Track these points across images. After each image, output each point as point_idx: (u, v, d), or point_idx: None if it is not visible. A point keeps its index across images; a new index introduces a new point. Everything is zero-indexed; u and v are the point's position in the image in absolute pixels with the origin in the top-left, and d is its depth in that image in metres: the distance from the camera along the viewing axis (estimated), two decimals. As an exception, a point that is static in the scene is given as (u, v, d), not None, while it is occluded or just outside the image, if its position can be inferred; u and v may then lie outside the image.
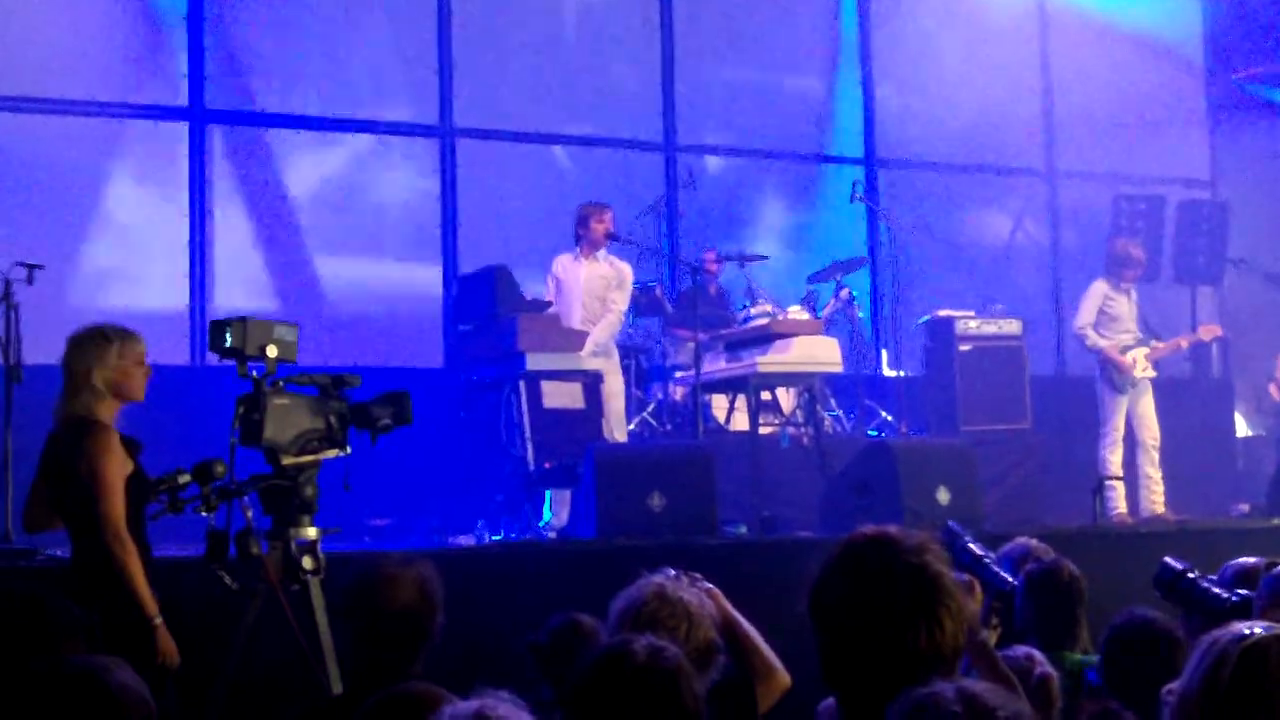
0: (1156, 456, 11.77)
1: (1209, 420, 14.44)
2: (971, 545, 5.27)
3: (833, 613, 2.74)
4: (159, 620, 5.52)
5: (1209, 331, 12.57)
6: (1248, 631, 2.97)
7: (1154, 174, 15.88)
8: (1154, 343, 11.95)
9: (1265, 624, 3.05)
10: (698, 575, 4.48)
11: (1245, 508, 12.58)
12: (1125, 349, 11.76)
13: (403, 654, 4.40)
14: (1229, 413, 15.23)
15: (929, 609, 2.69)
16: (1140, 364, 11.77)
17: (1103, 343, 11.80)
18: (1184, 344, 12.72)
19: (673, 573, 4.38)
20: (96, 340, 5.72)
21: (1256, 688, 2.89)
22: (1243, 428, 15.66)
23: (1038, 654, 4.91)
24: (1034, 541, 6.45)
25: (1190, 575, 5.38)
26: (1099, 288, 11.98)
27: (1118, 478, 11.52)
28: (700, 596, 4.26)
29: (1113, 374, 11.78)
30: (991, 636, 5.01)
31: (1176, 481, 12.06)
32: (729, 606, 4.47)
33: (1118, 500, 11.58)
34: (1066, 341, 15.10)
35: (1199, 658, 2.99)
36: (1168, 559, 5.63)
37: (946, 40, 15.39)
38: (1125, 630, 4.94)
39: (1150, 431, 11.79)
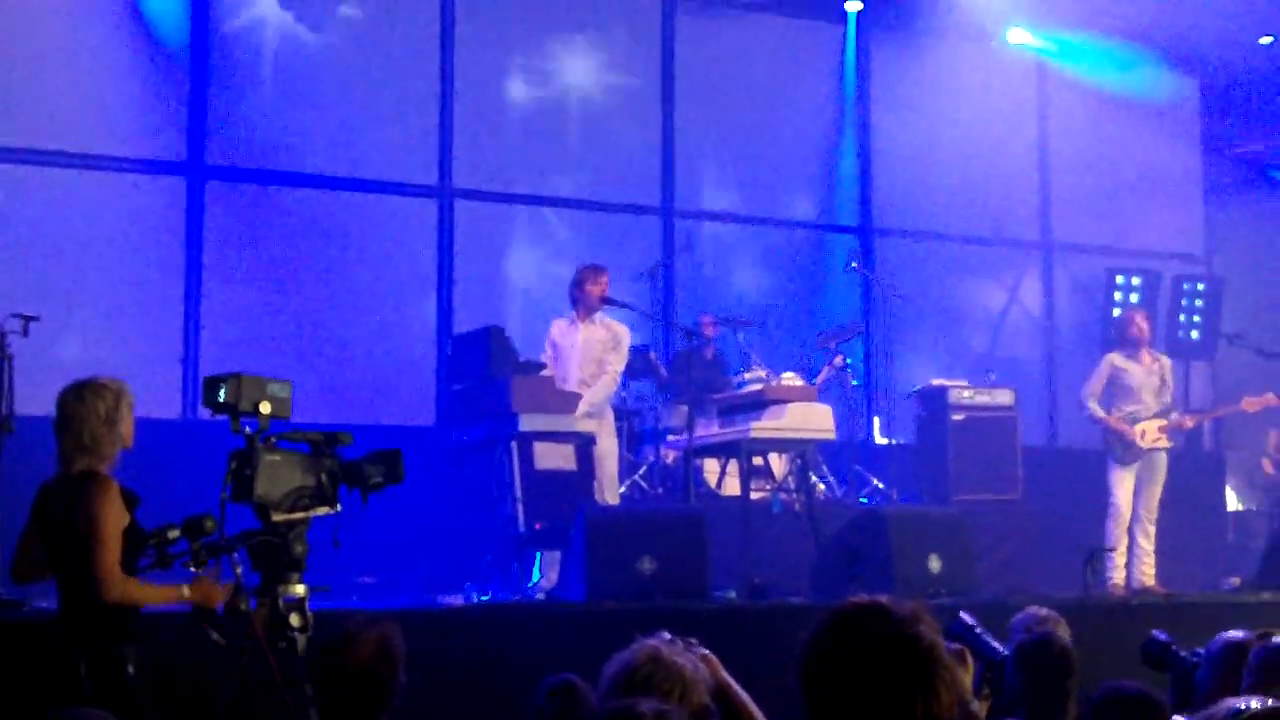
0: (1152, 530, 11.74)
1: (1200, 493, 14.44)
2: (963, 615, 5.27)
3: (824, 683, 2.70)
4: (185, 592, 5.59)
5: (1258, 403, 12.41)
6: (1242, 707, 2.96)
7: (1149, 247, 15.95)
8: (1175, 415, 11.90)
9: (1259, 698, 3.03)
10: (693, 640, 4.47)
11: (1236, 581, 12.57)
12: (1136, 420, 11.73)
13: (363, 714, 4.39)
14: (1220, 486, 15.24)
15: (925, 680, 2.66)
16: (1150, 435, 11.71)
17: (1100, 413, 11.79)
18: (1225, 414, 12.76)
19: (668, 636, 4.36)
20: (97, 392, 5.73)
21: None
22: (1234, 502, 15.66)
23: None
24: (1043, 611, 6.45)
25: (1174, 648, 5.41)
26: (1108, 361, 11.97)
27: (1113, 549, 11.49)
28: (694, 661, 4.24)
29: (1115, 445, 11.76)
30: (983, 707, 4.99)
31: (1167, 554, 12.04)
32: (724, 673, 4.44)
33: (1113, 571, 11.55)
34: (1059, 412, 15.14)
35: None
36: (1155, 632, 5.64)
37: (945, 110, 15.46)
38: (1105, 703, 4.93)
39: (1149, 504, 11.75)
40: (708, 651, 4.35)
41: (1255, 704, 2.97)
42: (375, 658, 4.46)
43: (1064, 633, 6.06)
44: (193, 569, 5.64)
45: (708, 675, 4.29)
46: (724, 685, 4.37)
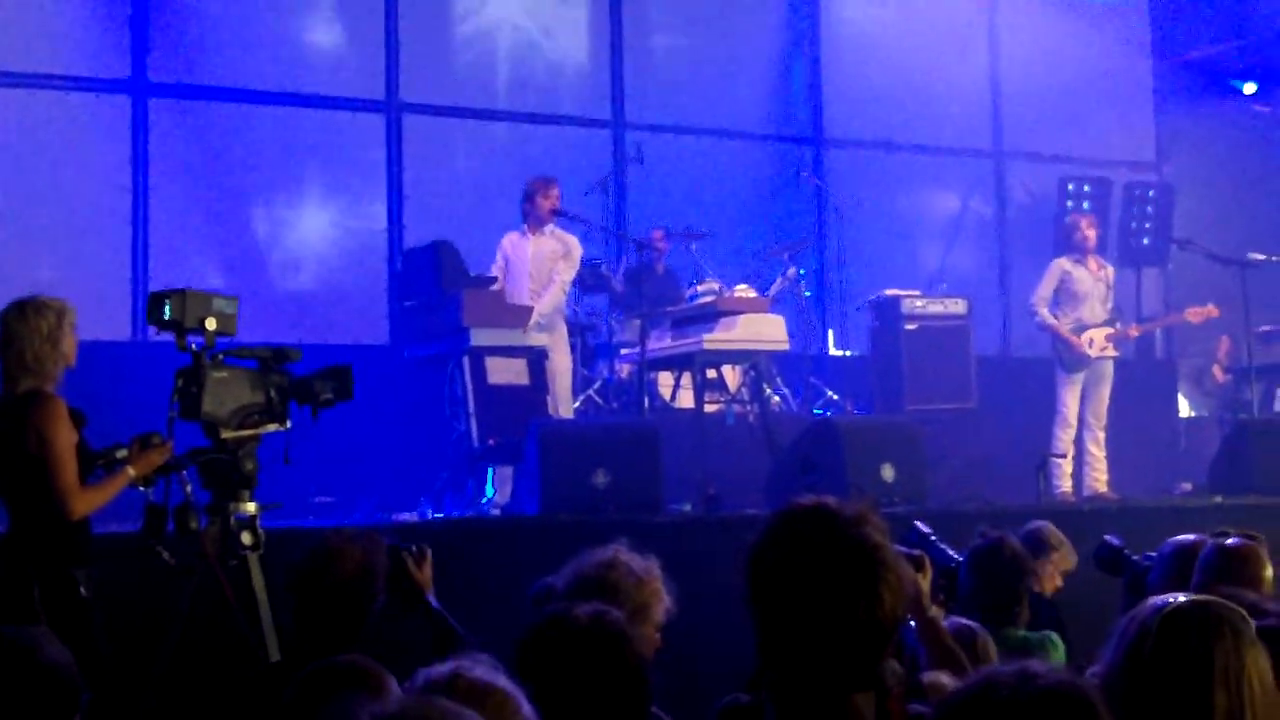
0: (1101, 436, 11.82)
1: (1152, 400, 14.53)
2: (918, 524, 5.29)
3: (769, 584, 2.70)
4: (131, 471, 5.61)
5: (1200, 314, 12.45)
6: (1168, 600, 2.96)
7: (1101, 155, 15.94)
8: (1118, 324, 11.96)
9: (1185, 595, 3.03)
10: None
11: (1188, 486, 12.67)
12: (1083, 328, 11.76)
13: (345, 627, 4.40)
14: (1172, 393, 15.33)
15: (869, 580, 2.66)
16: (1098, 344, 11.76)
17: (1050, 320, 11.83)
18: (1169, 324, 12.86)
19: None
20: (39, 310, 5.66)
21: (1179, 655, 2.87)
22: (1185, 408, 15.76)
23: (978, 627, 4.95)
24: (1048, 525, 6.58)
25: (1125, 552, 5.47)
26: (1058, 265, 12.00)
27: (1061, 455, 11.56)
28: (649, 569, 4.28)
29: (1063, 352, 11.81)
30: (939, 612, 5.01)
31: (1119, 461, 12.12)
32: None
33: (1061, 478, 11.63)
34: (1012, 321, 15.18)
35: (1120, 634, 2.97)
36: (1107, 537, 5.68)
37: (895, 19, 15.39)
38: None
39: (1096, 411, 11.82)
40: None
41: (1181, 598, 2.98)
42: (359, 572, 4.47)
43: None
44: (141, 488, 5.62)
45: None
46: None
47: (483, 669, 2.78)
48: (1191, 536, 5.08)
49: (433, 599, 4.87)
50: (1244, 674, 2.84)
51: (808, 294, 13.39)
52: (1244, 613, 2.98)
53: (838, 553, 2.67)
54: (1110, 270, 12.20)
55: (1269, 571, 4.83)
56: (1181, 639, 2.88)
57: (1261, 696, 2.84)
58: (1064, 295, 11.91)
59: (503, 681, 2.76)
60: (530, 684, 2.87)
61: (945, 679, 3.58)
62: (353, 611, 4.45)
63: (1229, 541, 4.86)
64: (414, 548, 4.93)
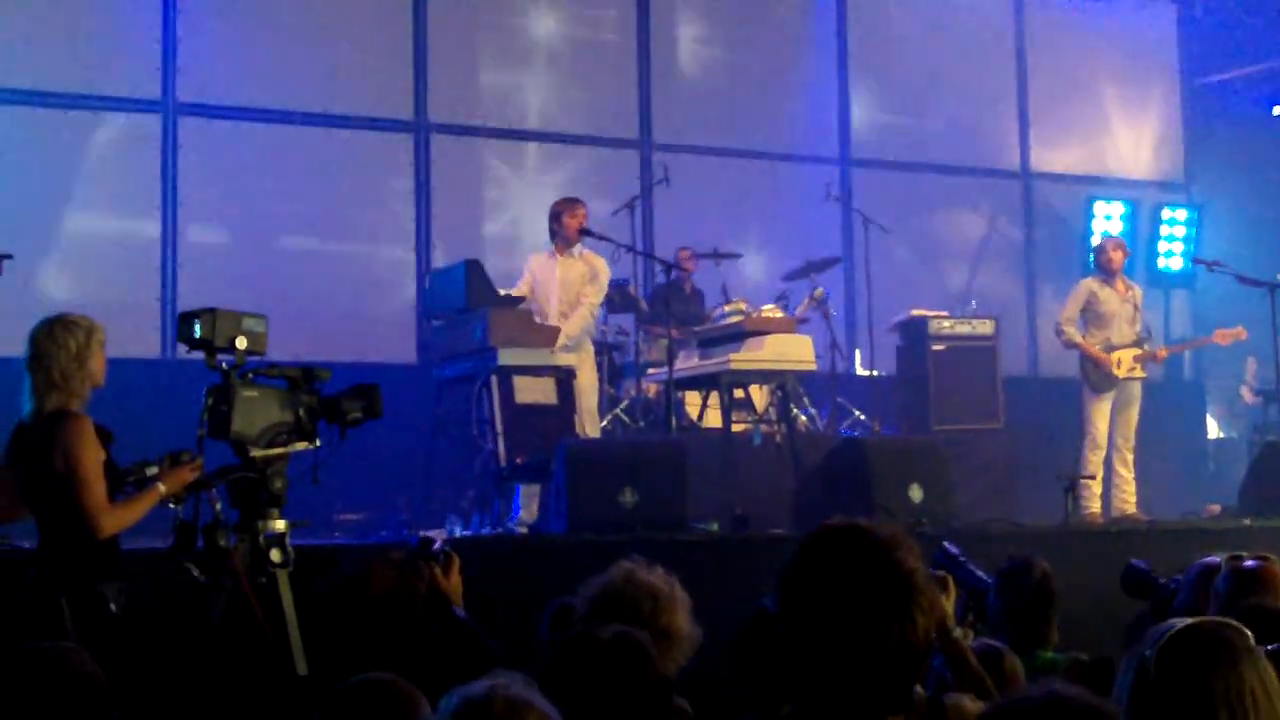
0: (1130, 457, 11.78)
1: (1181, 422, 14.51)
2: (947, 544, 5.29)
3: (802, 606, 2.69)
4: (161, 489, 5.61)
5: (1229, 335, 12.43)
6: (1164, 630, 2.95)
7: (1129, 176, 15.93)
8: (1149, 344, 11.92)
9: (1184, 619, 3.03)
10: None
11: (1216, 508, 12.61)
12: (1111, 349, 11.73)
13: (378, 645, 4.39)
14: (1201, 415, 15.29)
15: (902, 605, 2.65)
16: (1125, 364, 11.72)
17: (1077, 337, 11.80)
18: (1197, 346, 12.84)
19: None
20: (68, 329, 5.69)
21: (1179, 686, 2.85)
22: (1214, 430, 15.71)
23: (1002, 646, 4.94)
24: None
25: (1151, 575, 5.45)
26: (1085, 285, 11.98)
27: (1091, 477, 11.52)
28: (668, 581, 4.27)
29: (1091, 373, 11.77)
30: (967, 635, 5.01)
31: (1148, 482, 12.09)
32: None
33: (1091, 499, 11.58)
34: (1040, 342, 15.15)
35: (1124, 668, 2.96)
36: (1133, 560, 5.66)
37: (923, 40, 15.41)
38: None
39: (1125, 433, 11.79)
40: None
41: (1178, 624, 2.97)
42: (394, 591, 4.47)
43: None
44: (171, 506, 5.63)
45: (682, 596, 4.28)
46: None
47: (519, 687, 2.78)
48: (1218, 558, 5.06)
49: (460, 611, 4.84)
50: (1244, 691, 2.83)
51: (835, 314, 13.38)
52: (1239, 627, 2.98)
53: (873, 576, 2.66)
54: (1138, 291, 12.17)
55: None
56: (1179, 669, 2.86)
57: (1268, 708, 2.84)
58: (1091, 316, 11.88)
59: (539, 700, 2.75)
60: (556, 704, 2.87)
61: (968, 702, 3.58)
62: (385, 631, 4.45)
63: (1246, 564, 4.85)
64: (440, 555, 4.89)
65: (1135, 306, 11.95)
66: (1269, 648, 3.05)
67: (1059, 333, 11.95)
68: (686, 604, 4.26)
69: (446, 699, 2.75)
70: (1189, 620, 2.98)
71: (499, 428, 9.80)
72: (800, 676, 2.72)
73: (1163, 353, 12.53)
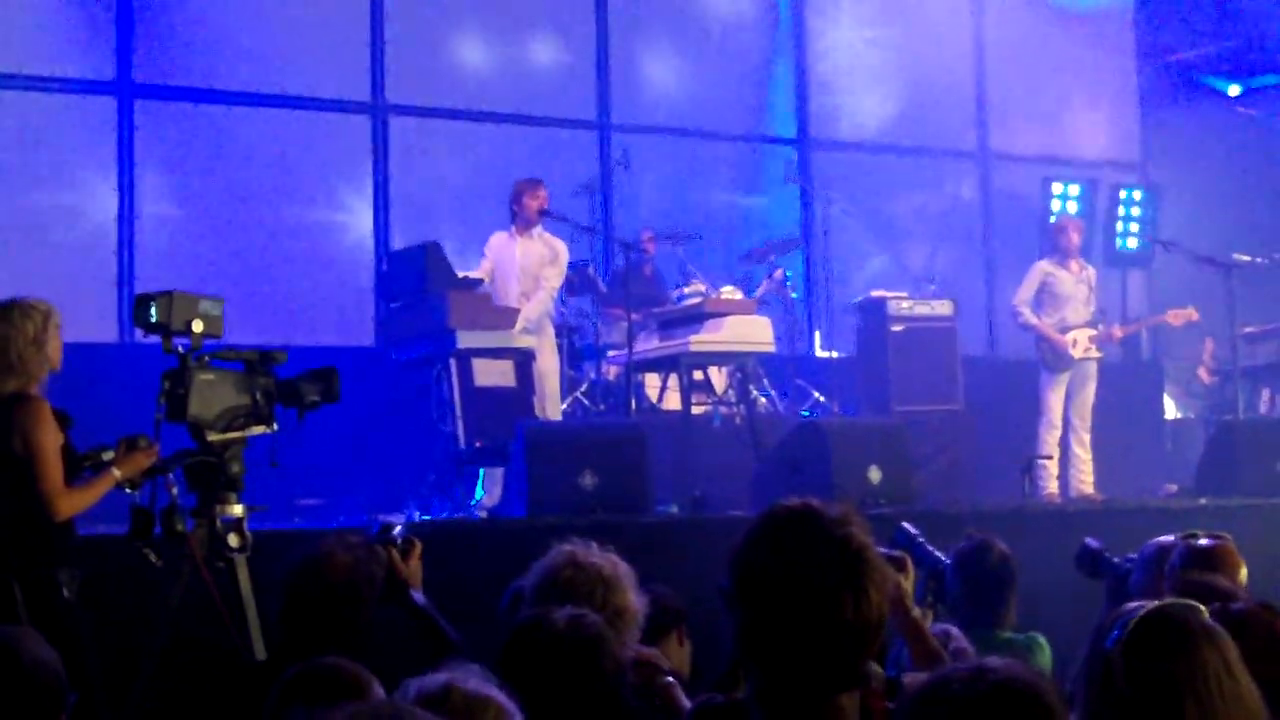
0: (1086, 437, 11.85)
1: (1138, 402, 14.56)
2: (905, 525, 5.30)
3: (755, 585, 2.70)
4: (116, 473, 5.60)
5: (1181, 316, 12.51)
6: (1123, 623, 2.95)
7: (1085, 156, 15.99)
8: (1104, 325, 11.99)
9: (1142, 603, 3.03)
10: None
11: (1173, 488, 12.69)
12: (1066, 329, 11.78)
13: (332, 631, 4.39)
14: (1158, 395, 15.36)
15: (855, 580, 2.66)
16: (1081, 345, 11.78)
17: (1033, 319, 11.85)
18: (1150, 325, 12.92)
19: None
20: (25, 312, 5.66)
21: (1143, 686, 2.86)
22: (1171, 410, 15.79)
23: (954, 630, 4.96)
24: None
25: (1105, 554, 5.46)
26: (1040, 267, 12.03)
27: (1048, 457, 11.57)
28: (613, 562, 4.25)
29: (1046, 353, 11.83)
30: (927, 615, 5.02)
31: (1105, 462, 12.14)
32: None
33: (1048, 479, 11.64)
34: (998, 322, 15.20)
35: (1086, 667, 2.96)
36: (1087, 540, 5.68)
37: (881, 21, 15.42)
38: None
39: (1080, 412, 11.85)
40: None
41: (1140, 611, 2.98)
42: (350, 578, 4.46)
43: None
44: (128, 490, 5.61)
45: (626, 571, 4.26)
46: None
47: (476, 680, 2.76)
48: (1172, 538, 5.08)
49: (419, 596, 4.83)
50: (1208, 675, 2.83)
51: (794, 295, 13.41)
52: (1194, 605, 2.99)
53: (823, 552, 2.67)
54: (1092, 271, 12.23)
55: (1244, 571, 4.85)
56: (1140, 660, 2.86)
57: (1230, 688, 2.85)
58: (1046, 297, 11.93)
59: (496, 694, 2.74)
60: (512, 689, 2.86)
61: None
62: (341, 616, 4.44)
63: (1201, 542, 4.87)
64: (399, 540, 4.89)
65: (1090, 287, 12.01)
66: (1213, 607, 3.06)
67: (1015, 315, 12.00)
68: (632, 579, 4.25)
69: (401, 690, 2.72)
70: (1144, 606, 2.98)
71: (458, 411, 9.79)
72: (754, 655, 2.73)
73: (1119, 332, 12.59)
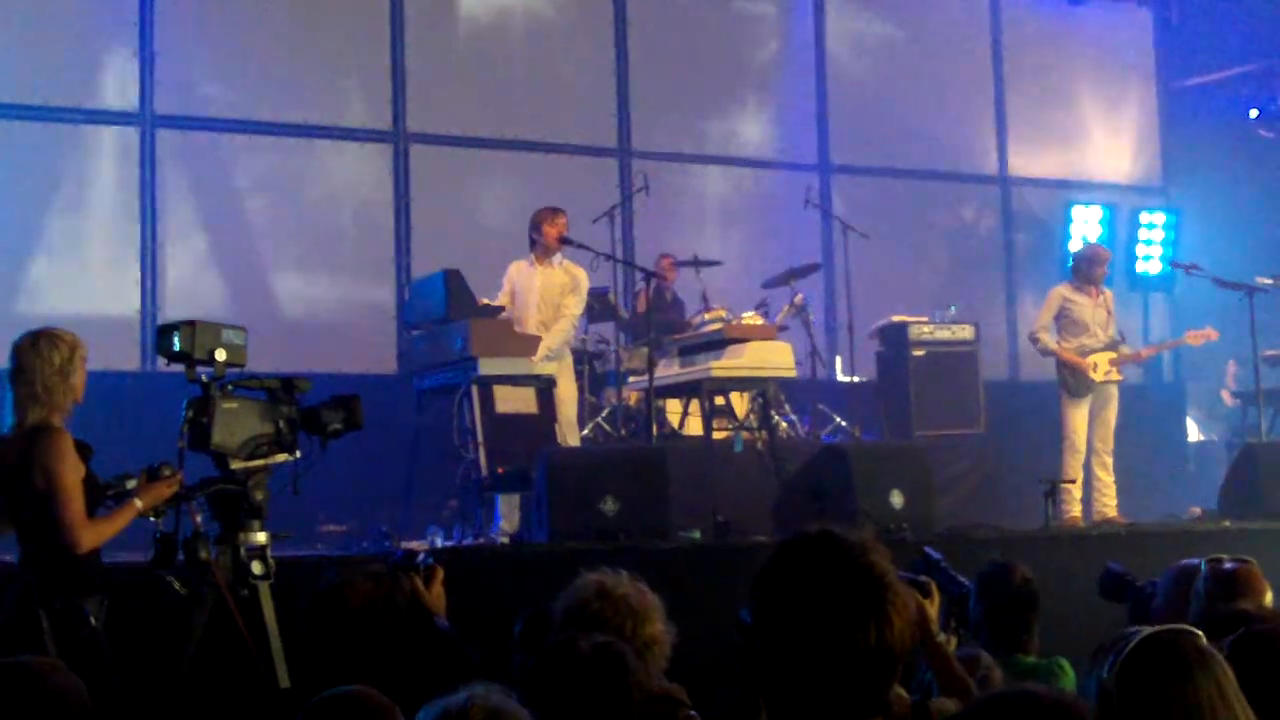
0: (1109, 461, 11.80)
1: (1162, 425, 14.54)
2: (929, 550, 5.29)
3: (777, 613, 2.70)
4: (138, 504, 5.60)
5: (1200, 336, 12.48)
6: (1119, 645, 2.95)
7: (1106, 180, 15.98)
8: (1124, 348, 11.96)
9: (1138, 629, 3.03)
10: None
11: (1197, 511, 12.64)
12: (1087, 352, 11.75)
13: (356, 658, 4.38)
14: (1181, 418, 15.33)
15: (877, 606, 2.65)
16: (1101, 368, 11.75)
17: (1052, 344, 11.82)
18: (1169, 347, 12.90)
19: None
20: (52, 342, 5.68)
21: (1138, 700, 2.86)
22: (1194, 432, 15.75)
23: (984, 654, 4.94)
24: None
25: (1129, 578, 5.45)
26: (1058, 291, 12.00)
27: (1071, 481, 11.54)
28: (641, 591, 4.25)
29: (1067, 377, 11.80)
30: (950, 641, 5.01)
31: (1128, 486, 12.11)
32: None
33: (1071, 503, 11.60)
34: (1020, 346, 15.17)
35: (1090, 692, 2.97)
36: (1110, 563, 5.67)
37: (900, 46, 15.45)
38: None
39: (1103, 436, 11.81)
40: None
41: (1134, 637, 2.98)
42: (371, 605, 4.45)
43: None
44: (152, 519, 5.62)
45: (654, 601, 4.26)
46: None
47: (498, 697, 2.78)
48: (1195, 561, 5.07)
49: (442, 622, 4.82)
50: (1201, 702, 2.84)
51: (815, 320, 13.40)
52: (1193, 632, 2.99)
53: (845, 579, 2.67)
54: (1109, 294, 12.19)
55: (1269, 595, 4.83)
56: (1136, 685, 2.87)
57: (1225, 716, 2.85)
58: (1065, 322, 11.90)
59: (518, 710, 2.75)
60: (536, 713, 2.87)
61: (951, 705, 3.58)
62: (365, 643, 4.44)
63: (1226, 566, 4.85)
64: (422, 566, 4.87)
65: (1108, 310, 11.98)
66: (1231, 638, 3.07)
67: (1034, 340, 11.97)
68: (660, 608, 4.25)
69: (426, 709, 2.75)
70: (1139, 632, 2.99)
71: (480, 438, 9.80)
72: (776, 684, 2.73)
73: (1138, 355, 12.56)
